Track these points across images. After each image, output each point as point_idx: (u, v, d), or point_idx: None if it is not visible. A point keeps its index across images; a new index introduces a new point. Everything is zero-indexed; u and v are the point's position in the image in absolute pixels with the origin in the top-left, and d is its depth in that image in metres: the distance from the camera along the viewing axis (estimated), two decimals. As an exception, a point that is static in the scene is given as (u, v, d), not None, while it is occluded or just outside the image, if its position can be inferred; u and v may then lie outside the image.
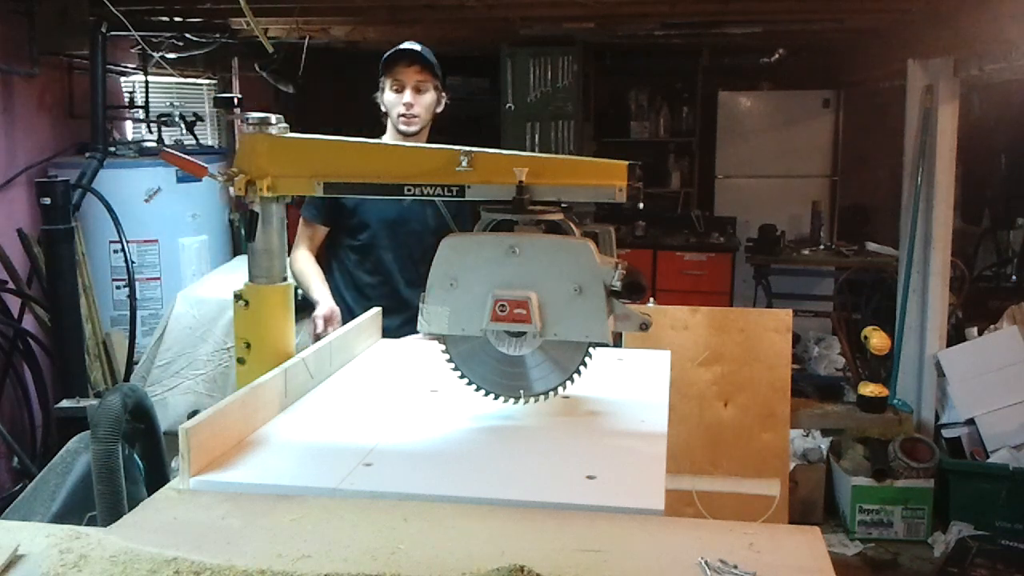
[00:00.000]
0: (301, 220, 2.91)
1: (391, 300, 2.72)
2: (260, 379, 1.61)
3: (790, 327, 3.36)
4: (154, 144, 4.69)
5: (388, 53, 2.79)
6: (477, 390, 1.63)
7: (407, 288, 2.84)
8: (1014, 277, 5.69)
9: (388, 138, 2.82)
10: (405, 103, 2.77)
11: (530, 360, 1.58)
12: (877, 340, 4.16)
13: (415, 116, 2.78)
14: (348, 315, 2.58)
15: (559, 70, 6.18)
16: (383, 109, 2.86)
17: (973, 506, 4.05)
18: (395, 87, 2.79)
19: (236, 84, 5.52)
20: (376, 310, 2.22)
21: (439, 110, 2.88)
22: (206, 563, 1.11)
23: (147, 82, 4.84)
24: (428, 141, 2.87)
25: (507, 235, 1.53)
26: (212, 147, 5.63)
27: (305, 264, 2.80)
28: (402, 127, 2.79)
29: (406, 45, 2.82)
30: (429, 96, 2.81)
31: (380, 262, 2.86)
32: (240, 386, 1.67)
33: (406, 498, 1.30)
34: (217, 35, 4.74)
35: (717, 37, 5.86)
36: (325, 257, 2.94)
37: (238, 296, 1.75)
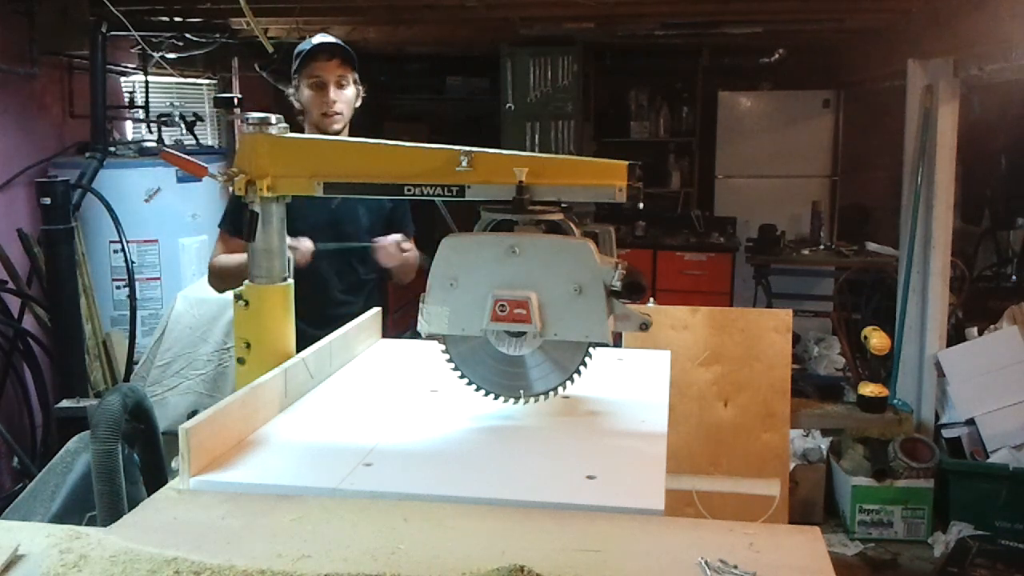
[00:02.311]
0: (219, 234, 2.70)
1: (324, 311, 2.52)
2: (260, 379, 1.61)
3: (790, 327, 3.36)
4: (154, 144, 4.69)
5: (304, 47, 2.65)
6: (477, 390, 1.63)
7: (343, 294, 2.69)
8: (1014, 277, 5.69)
9: None
10: (327, 101, 2.63)
11: (530, 360, 1.58)
12: (877, 340, 4.16)
13: (338, 114, 2.66)
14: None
15: (559, 70, 6.18)
16: (298, 107, 2.72)
17: (973, 506, 4.05)
18: (314, 84, 2.65)
19: (236, 84, 5.53)
20: (376, 310, 2.22)
21: (358, 104, 2.75)
22: (206, 563, 1.11)
23: (147, 82, 4.84)
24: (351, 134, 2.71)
25: (507, 235, 1.53)
26: (212, 147, 5.63)
27: (224, 258, 2.59)
28: (323, 126, 2.65)
29: (320, 38, 2.68)
30: (350, 91, 2.69)
31: (315, 271, 2.60)
32: (240, 386, 1.67)
33: (406, 498, 1.30)
34: (217, 35, 4.75)
35: (717, 37, 5.86)
36: None
37: (238, 296, 1.75)
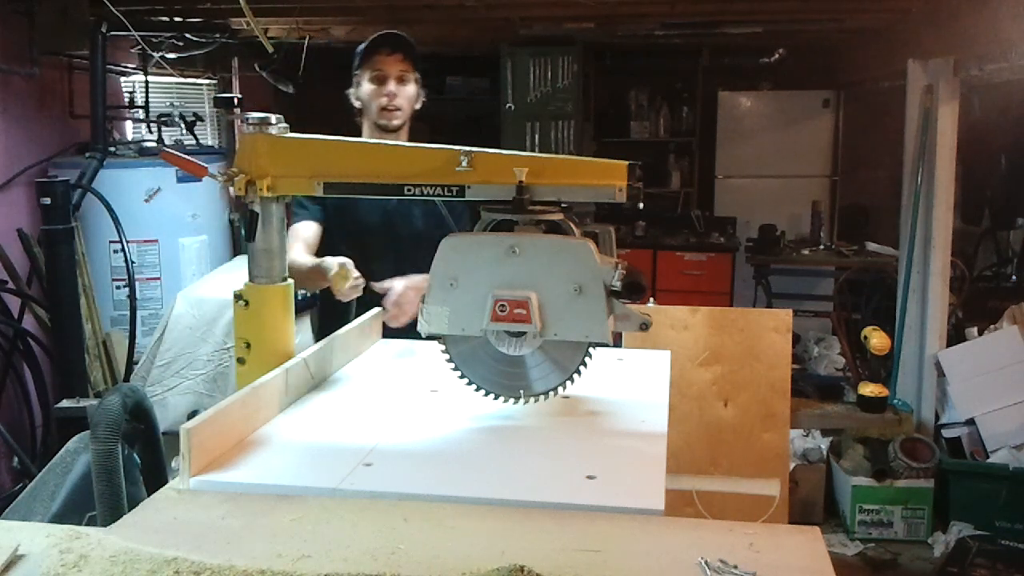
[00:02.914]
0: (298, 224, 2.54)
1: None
2: (260, 379, 1.61)
3: (790, 327, 3.36)
4: (154, 144, 4.70)
5: (367, 42, 2.61)
6: (477, 390, 1.63)
7: None
8: (1014, 277, 5.68)
9: (367, 138, 2.61)
10: (387, 94, 2.57)
11: (530, 360, 1.58)
12: (877, 340, 4.16)
13: (398, 108, 2.58)
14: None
15: (559, 70, 6.18)
16: (357, 105, 2.66)
17: (973, 506, 4.05)
18: (375, 78, 2.59)
19: (236, 84, 5.53)
20: (376, 310, 2.22)
21: (418, 106, 2.69)
22: (206, 563, 1.11)
23: (147, 82, 4.85)
24: (409, 139, 2.66)
25: (507, 235, 1.53)
26: (212, 147, 5.63)
27: (296, 254, 2.40)
28: (383, 121, 2.58)
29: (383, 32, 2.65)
30: (411, 88, 2.62)
31: (372, 274, 2.46)
32: (240, 386, 1.67)
33: (406, 498, 1.30)
34: (217, 35, 4.75)
35: (717, 37, 5.86)
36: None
37: (238, 296, 1.75)
